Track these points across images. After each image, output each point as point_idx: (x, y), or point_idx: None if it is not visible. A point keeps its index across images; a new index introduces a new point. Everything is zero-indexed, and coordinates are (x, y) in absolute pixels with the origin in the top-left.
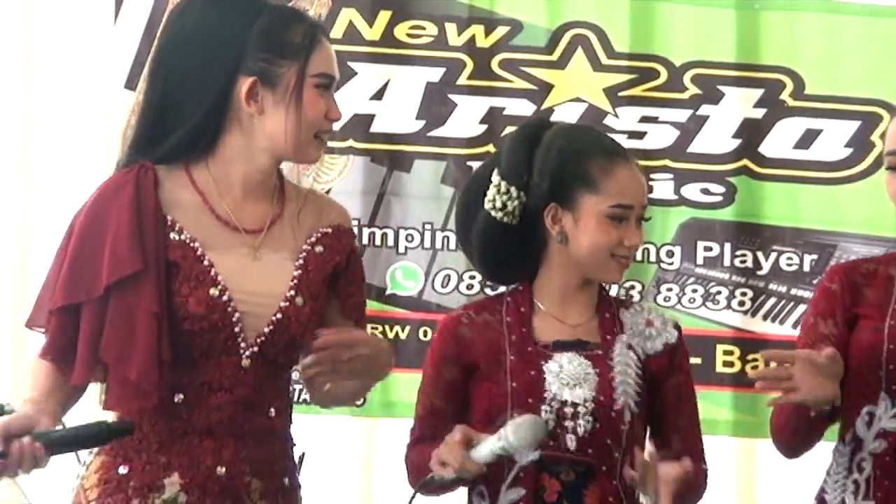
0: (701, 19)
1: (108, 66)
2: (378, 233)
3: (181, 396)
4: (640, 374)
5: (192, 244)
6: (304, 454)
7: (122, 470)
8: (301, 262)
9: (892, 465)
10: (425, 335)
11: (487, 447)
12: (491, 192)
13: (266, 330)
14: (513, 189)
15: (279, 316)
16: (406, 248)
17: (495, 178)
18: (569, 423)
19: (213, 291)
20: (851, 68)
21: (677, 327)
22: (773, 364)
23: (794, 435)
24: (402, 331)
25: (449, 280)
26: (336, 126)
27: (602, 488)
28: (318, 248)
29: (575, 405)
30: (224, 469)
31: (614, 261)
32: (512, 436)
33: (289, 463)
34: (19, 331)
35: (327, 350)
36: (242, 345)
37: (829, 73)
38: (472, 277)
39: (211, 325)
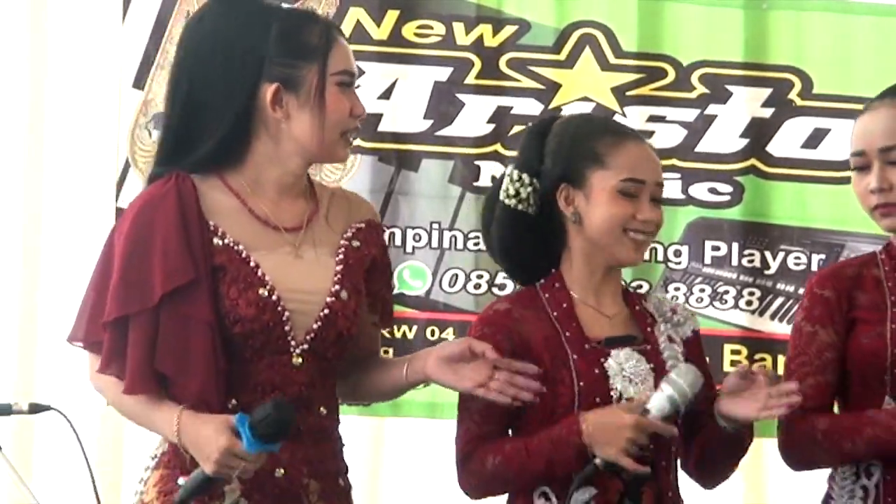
0: (709, 19)
1: (117, 65)
2: (385, 232)
3: (234, 401)
4: (689, 361)
5: (236, 247)
6: (341, 446)
7: (181, 481)
8: (341, 256)
9: None
10: (433, 335)
11: (659, 403)
12: (504, 183)
13: (315, 326)
14: (525, 176)
15: (326, 312)
16: (413, 247)
17: (508, 170)
18: None
19: (263, 292)
20: (860, 68)
21: (693, 314)
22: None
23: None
24: (410, 330)
25: (456, 279)
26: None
27: (660, 485)
28: (355, 243)
29: None
30: (282, 471)
31: (628, 238)
32: (683, 381)
33: (341, 464)
34: (26, 330)
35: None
36: (293, 343)
37: (838, 72)
38: (480, 277)
39: (262, 325)
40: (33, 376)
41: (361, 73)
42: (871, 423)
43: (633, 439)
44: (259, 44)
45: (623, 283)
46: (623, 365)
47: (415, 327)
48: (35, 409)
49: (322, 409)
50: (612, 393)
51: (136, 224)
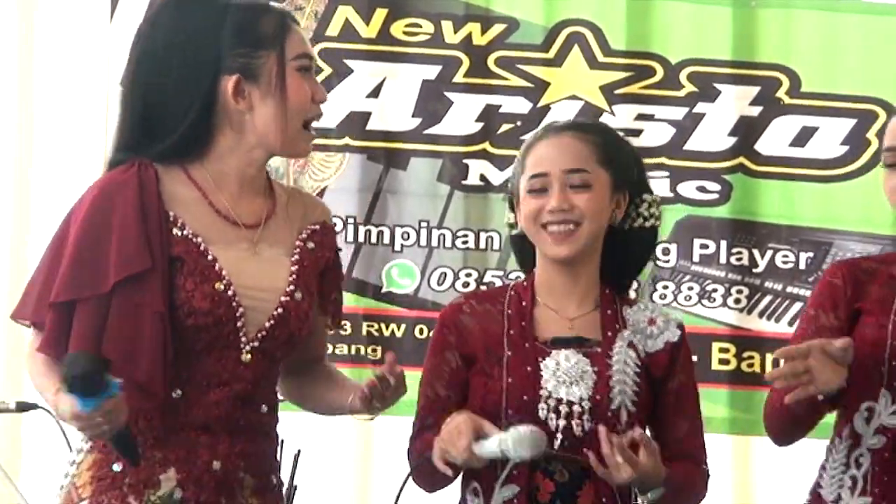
0: (697, 17)
1: (104, 63)
2: (374, 230)
3: (179, 392)
4: (639, 374)
5: (194, 239)
6: (299, 452)
7: (117, 467)
8: (296, 257)
9: (890, 461)
10: (421, 333)
11: (489, 449)
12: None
13: (267, 324)
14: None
15: (280, 311)
16: (402, 245)
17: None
18: (561, 422)
19: (219, 286)
20: (847, 66)
21: (680, 326)
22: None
23: (792, 422)
24: (398, 328)
25: (445, 278)
26: (332, 124)
27: (597, 489)
28: (310, 245)
29: (570, 403)
30: (219, 464)
31: (546, 232)
32: (513, 449)
33: (276, 462)
34: (14, 329)
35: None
36: (243, 339)
37: (825, 70)
38: (468, 275)
39: (216, 319)
40: (21, 375)
41: (350, 71)
42: None
43: (448, 440)
44: (215, 37)
45: (608, 286)
46: (560, 364)
47: (403, 325)
48: (22, 407)
49: (263, 406)
50: (541, 392)
51: (93, 208)
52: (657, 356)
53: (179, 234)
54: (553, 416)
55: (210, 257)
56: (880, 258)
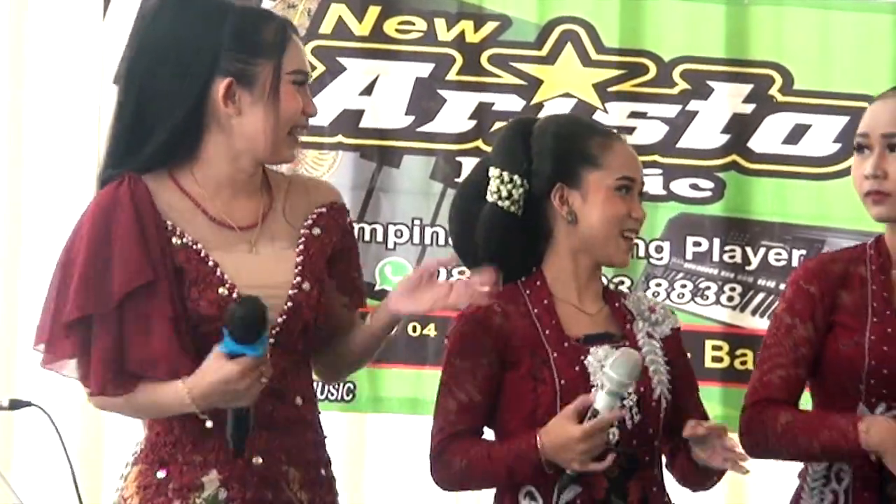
0: (690, 14)
1: (97, 62)
2: (367, 228)
3: (210, 423)
4: (666, 361)
5: (194, 246)
6: (324, 438)
7: (161, 474)
8: (301, 247)
9: (870, 476)
10: (415, 331)
11: (603, 401)
12: (493, 184)
13: (280, 319)
14: (516, 177)
15: (290, 304)
16: (395, 243)
17: (494, 171)
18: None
19: (223, 291)
20: (840, 64)
21: (673, 312)
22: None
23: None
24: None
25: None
26: (325, 122)
27: (645, 479)
28: (316, 231)
29: (622, 399)
30: (260, 459)
31: (622, 238)
32: (620, 371)
33: (323, 454)
34: (6, 327)
35: None
36: None
37: (818, 68)
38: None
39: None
40: (13, 372)
41: (343, 69)
42: (829, 426)
43: (587, 450)
44: (213, 39)
45: (606, 279)
46: (603, 362)
47: (402, 325)
48: (15, 405)
49: (298, 398)
50: (593, 390)
51: (93, 229)
52: (668, 341)
53: (179, 242)
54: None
55: (211, 263)
56: (847, 257)
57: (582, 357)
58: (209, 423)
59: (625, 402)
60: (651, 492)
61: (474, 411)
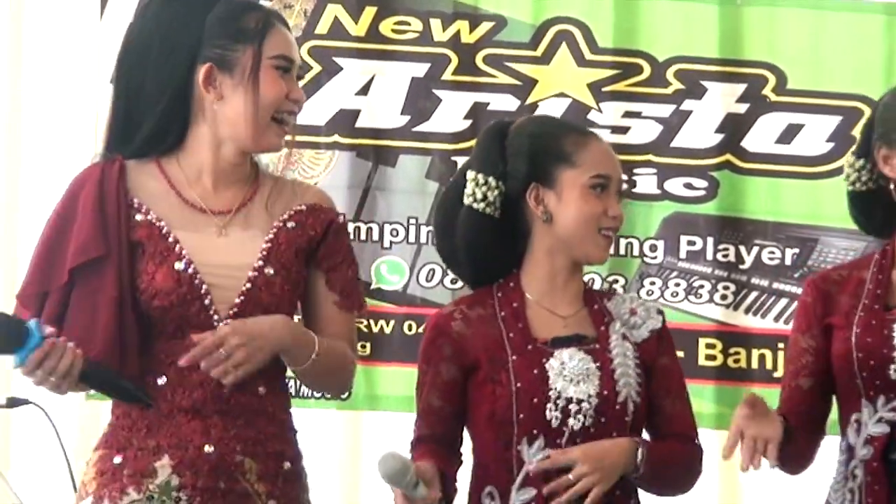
0: (684, 15)
1: (94, 61)
2: (363, 227)
3: (164, 378)
4: (638, 364)
5: (157, 223)
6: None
7: (117, 460)
8: (271, 235)
9: (880, 470)
10: (410, 329)
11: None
12: (469, 187)
13: (237, 300)
14: (490, 179)
15: (249, 286)
16: (391, 242)
17: (470, 174)
18: (572, 420)
19: (179, 265)
20: (833, 64)
21: (661, 312)
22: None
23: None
24: (387, 325)
25: (434, 274)
26: (321, 121)
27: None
28: (290, 224)
29: (579, 401)
30: (212, 447)
31: (600, 236)
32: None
33: (289, 448)
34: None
35: (207, 357)
36: (215, 318)
37: (811, 68)
38: (454, 282)
39: (179, 297)
40: (10, 371)
41: (339, 69)
42: None
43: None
44: (195, 28)
45: (600, 277)
46: (566, 364)
47: (392, 322)
48: (13, 402)
49: (261, 388)
50: (550, 392)
51: (60, 207)
52: (645, 344)
53: (143, 218)
54: (560, 415)
55: (171, 239)
56: (853, 264)
57: (544, 360)
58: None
59: (581, 404)
60: (614, 495)
61: (435, 416)
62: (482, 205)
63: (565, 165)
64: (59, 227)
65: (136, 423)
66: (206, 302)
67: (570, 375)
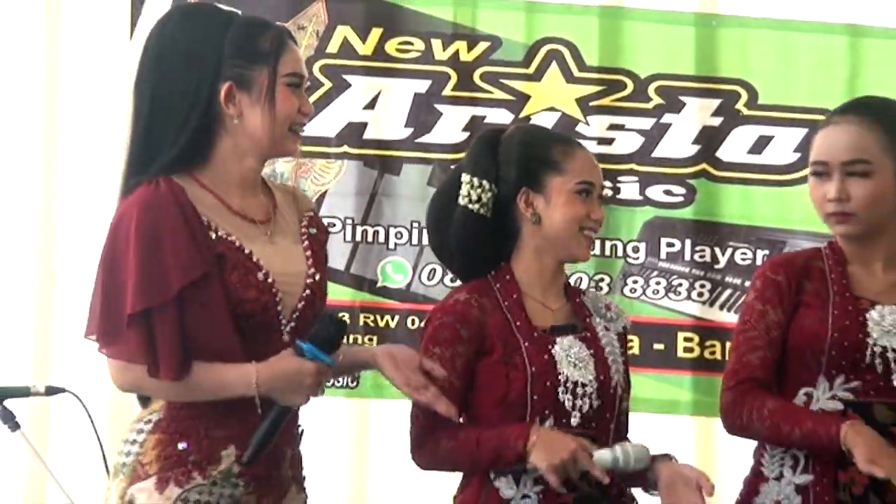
0: (664, 36)
1: (125, 76)
2: (370, 230)
3: (261, 409)
4: (622, 352)
5: (229, 238)
6: (302, 430)
7: (181, 445)
8: (306, 242)
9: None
10: (413, 324)
11: (604, 459)
12: (464, 189)
13: (299, 305)
14: (485, 182)
15: (308, 292)
16: (395, 244)
17: (465, 177)
18: (579, 402)
19: (260, 276)
20: (800, 80)
21: (624, 312)
22: None
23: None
24: (392, 320)
25: (434, 273)
26: (331, 133)
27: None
28: (312, 230)
29: (584, 385)
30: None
31: (583, 236)
32: (633, 462)
33: (299, 435)
34: (43, 318)
35: None
36: (283, 321)
37: (780, 84)
38: (448, 277)
39: (262, 305)
40: (49, 361)
41: (348, 85)
42: (813, 418)
43: (565, 461)
44: (215, 48)
45: (587, 276)
46: (568, 351)
47: (396, 317)
48: (51, 391)
49: None
50: (559, 377)
51: (140, 226)
52: (621, 337)
53: (215, 235)
54: (570, 397)
55: (247, 251)
56: (806, 255)
57: (549, 346)
58: (259, 410)
59: (586, 387)
60: (612, 471)
61: (452, 395)
62: (476, 206)
63: (554, 172)
64: (149, 248)
65: (205, 414)
66: (279, 308)
67: (574, 361)
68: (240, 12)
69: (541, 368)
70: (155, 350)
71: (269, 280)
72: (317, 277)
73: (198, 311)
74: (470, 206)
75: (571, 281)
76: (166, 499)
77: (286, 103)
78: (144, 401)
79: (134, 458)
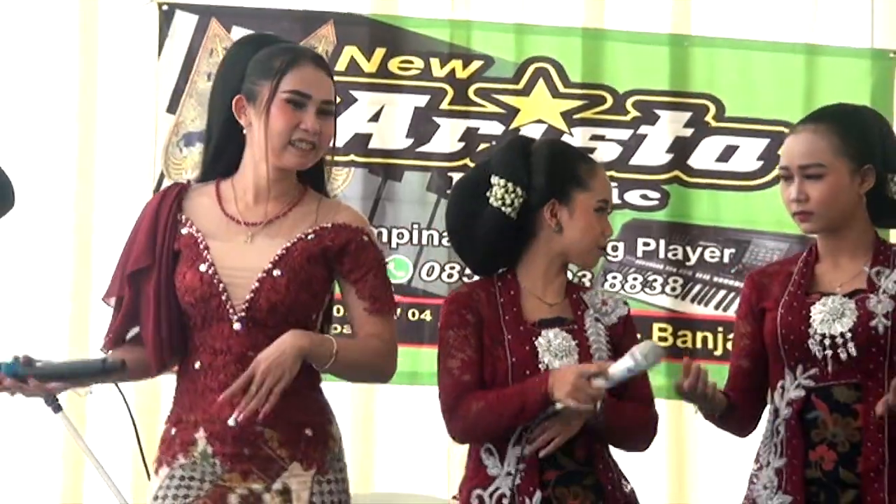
0: (640, 55)
1: (153, 93)
2: (374, 231)
3: (199, 363)
4: (609, 342)
5: (196, 234)
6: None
7: (172, 431)
8: (289, 244)
9: (796, 427)
10: (414, 316)
11: (621, 369)
12: (498, 192)
13: (247, 297)
14: (518, 189)
15: (256, 285)
16: (398, 244)
17: (499, 180)
18: None
19: (202, 267)
20: (763, 95)
21: (625, 303)
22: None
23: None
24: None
25: (433, 270)
26: (340, 143)
27: (589, 437)
28: (311, 237)
29: None
30: (235, 423)
31: (598, 250)
32: (642, 358)
33: (313, 417)
34: (81, 305)
35: (246, 394)
36: (231, 311)
37: (745, 99)
38: (453, 268)
39: (202, 294)
40: (87, 349)
41: (354, 100)
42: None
43: (575, 384)
44: (243, 66)
45: (571, 273)
46: (551, 342)
47: (398, 310)
48: None
49: None
50: (539, 365)
51: (134, 224)
52: (614, 328)
53: (186, 231)
54: None
55: (202, 246)
56: (786, 260)
57: (533, 338)
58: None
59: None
60: (595, 448)
61: (475, 367)
62: (508, 209)
63: (580, 188)
64: (127, 244)
65: (181, 401)
66: (224, 298)
67: (555, 351)
68: (283, 39)
69: (521, 359)
70: (114, 331)
71: (210, 271)
72: (274, 273)
73: (142, 297)
74: (503, 208)
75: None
76: (159, 479)
77: (279, 118)
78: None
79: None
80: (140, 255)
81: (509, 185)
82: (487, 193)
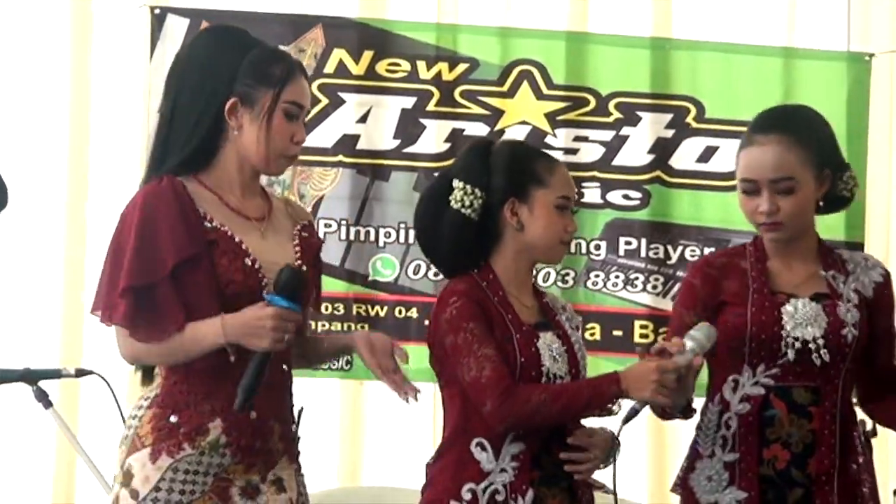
0: (622, 57)
1: (145, 96)
2: (362, 230)
3: (234, 357)
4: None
5: (222, 228)
6: (302, 409)
7: (173, 419)
8: (297, 240)
9: (753, 424)
10: (400, 313)
11: (684, 360)
12: (457, 194)
13: None
14: (476, 189)
15: None
16: (385, 242)
17: (458, 183)
18: None
19: (247, 261)
20: (742, 97)
21: (574, 313)
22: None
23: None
24: (382, 310)
25: (420, 269)
26: (328, 144)
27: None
28: (304, 234)
29: (560, 378)
30: (255, 414)
31: (563, 245)
32: (706, 340)
33: (292, 415)
34: (73, 300)
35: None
36: None
37: (725, 101)
38: (436, 276)
39: (247, 289)
40: (79, 344)
41: (342, 101)
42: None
43: (659, 381)
44: (233, 65)
45: (555, 271)
46: (550, 346)
47: (385, 308)
48: (80, 373)
49: (284, 365)
50: (542, 369)
51: (141, 214)
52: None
53: (209, 225)
54: None
55: (237, 240)
56: (730, 252)
57: (535, 340)
58: (232, 358)
59: (563, 380)
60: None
61: (503, 359)
62: (468, 210)
63: (538, 186)
64: (146, 233)
65: (195, 389)
66: (265, 292)
67: (554, 355)
68: (266, 42)
69: (529, 361)
70: (148, 319)
71: (256, 266)
72: (304, 268)
73: (189, 288)
74: (462, 210)
75: (541, 276)
76: (158, 468)
77: (280, 131)
78: (145, 379)
79: (133, 431)
80: (185, 244)
81: (468, 186)
82: (450, 197)
